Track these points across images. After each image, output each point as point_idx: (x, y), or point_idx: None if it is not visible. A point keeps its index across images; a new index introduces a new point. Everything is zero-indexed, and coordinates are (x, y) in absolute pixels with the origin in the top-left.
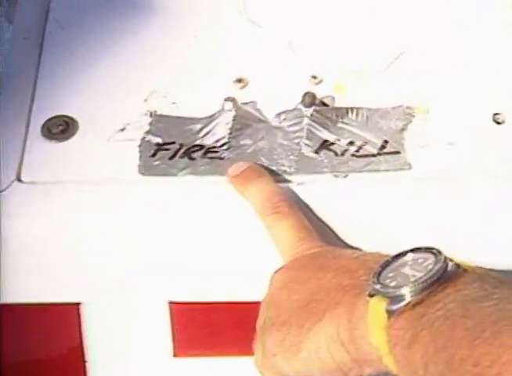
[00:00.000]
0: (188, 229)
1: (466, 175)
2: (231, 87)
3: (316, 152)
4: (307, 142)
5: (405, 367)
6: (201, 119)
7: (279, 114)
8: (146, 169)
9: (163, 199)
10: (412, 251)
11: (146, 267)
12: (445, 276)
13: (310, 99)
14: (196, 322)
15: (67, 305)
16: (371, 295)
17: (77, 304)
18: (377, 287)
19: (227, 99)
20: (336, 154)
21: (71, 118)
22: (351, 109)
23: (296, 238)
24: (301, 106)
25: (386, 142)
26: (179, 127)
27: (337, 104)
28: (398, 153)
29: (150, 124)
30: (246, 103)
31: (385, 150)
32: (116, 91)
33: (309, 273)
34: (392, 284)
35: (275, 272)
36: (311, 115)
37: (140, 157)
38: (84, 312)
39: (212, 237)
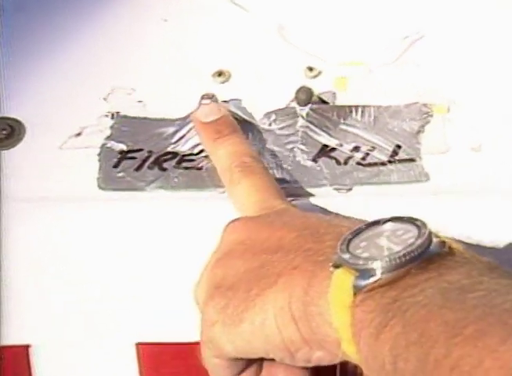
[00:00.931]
0: (158, 256)
1: (495, 187)
2: (209, 81)
3: (314, 160)
4: (302, 147)
5: (368, 359)
6: (174, 121)
7: (268, 114)
8: (106, 183)
9: (128, 219)
10: (392, 219)
11: (108, 305)
12: (427, 255)
13: (305, 96)
14: (163, 363)
15: (17, 347)
16: (336, 266)
17: (27, 346)
18: (345, 256)
19: (205, 97)
20: (337, 163)
21: (17, 121)
22: (356, 107)
23: (261, 195)
24: (294, 104)
25: (398, 147)
26: (147, 131)
27: (339, 101)
28: (412, 160)
29: (112, 127)
30: (228, 101)
31: (397, 158)
32: (70, 88)
33: (269, 230)
34: (363, 256)
35: (230, 222)
36: (307, 115)
37: (100, 168)
38: (34, 355)
39: (187, 267)
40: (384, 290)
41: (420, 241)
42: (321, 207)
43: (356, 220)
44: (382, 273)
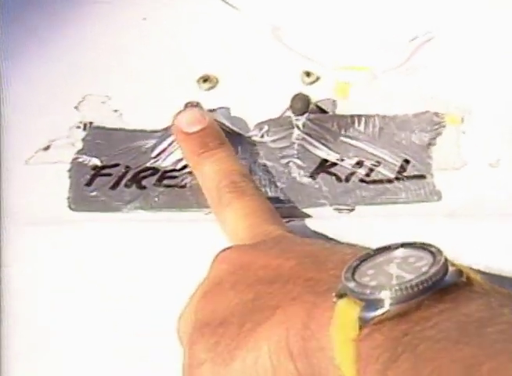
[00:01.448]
0: (136, 286)
1: None
2: (194, 88)
3: (312, 176)
4: (299, 162)
5: None
6: (154, 133)
7: (260, 125)
8: (78, 203)
9: (102, 245)
10: (403, 245)
11: (78, 336)
12: (442, 285)
13: (302, 104)
14: None
15: None
16: (340, 296)
17: None
18: (351, 285)
19: (189, 105)
20: (338, 179)
21: None
22: (359, 117)
23: (254, 219)
24: (289, 114)
25: (407, 162)
26: (124, 143)
27: (339, 110)
28: (423, 177)
29: (84, 139)
30: (214, 110)
31: (405, 174)
32: (37, 96)
33: (265, 259)
34: (371, 284)
35: (221, 251)
36: (304, 125)
37: (70, 186)
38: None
39: (169, 299)
40: (393, 323)
41: (434, 270)
42: (318, 232)
43: (361, 247)
44: (391, 304)
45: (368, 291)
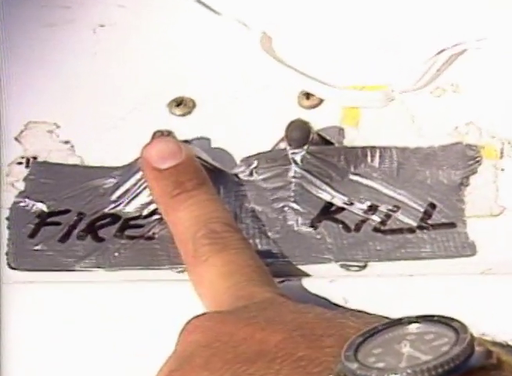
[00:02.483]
0: (90, 361)
1: None
2: (164, 113)
3: (313, 225)
4: (296, 207)
5: None
6: (114, 170)
7: (247, 159)
8: (19, 260)
9: (49, 311)
10: (419, 319)
11: None
12: (466, 368)
13: (300, 134)
14: None
15: None
16: None
17: None
18: (352, 366)
19: (158, 134)
20: (346, 229)
21: None
22: (372, 149)
23: (237, 278)
24: (284, 146)
25: (432, 206)
26: (76, 184)
27: (348, 141)
28: (452, 226)
29: (26, 179)
30: (190, 141)
31: (431, 222)
32: None
33: (247, 330)
34: (377, 366)
35: (192, 319)
36: (303, 160)
37: (10, 239)
38: None
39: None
40: None
41: (457, 350)
42: (319, 295)
43: (370, 317)
44: None
45: (373, 375)
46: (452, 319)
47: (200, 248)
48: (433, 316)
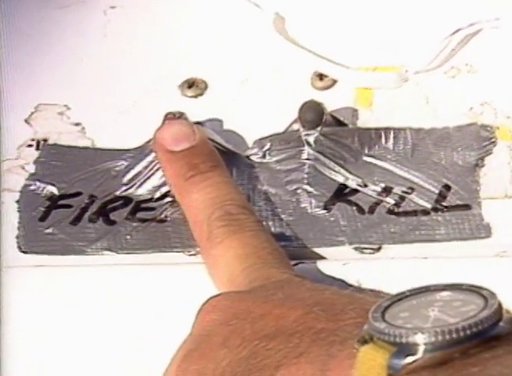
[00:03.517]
0: (105, 344)
1: None
2: (176, 95)
3: (326, 207)
4: (310, 189)
5: None
6: (126, 152)
7: (260, 141)
8: (30, 243)
9: (61, 295)
10: (447, 287)
11: None
12: (495, 332)
13: (314, 115)
14: None
15: None
16: (364, 341)
17: None
18: (381, 325)
19: (170, 116)
20: (360, 211)
21: None
22: (386, 130)
23: (253, 260)
24: (298, 127)
25: (447, 188)
26: (88, 166)
27: (361, 123)
28: (467, 207)
29: (37, 162)
30: (203, 123)
31: (446, 203)
32: None
33: (264, 307)
34: (406, 325)
35: (209, 299)
36: (317, 142)
37: (20, 222)
38: None
39: (147, 360)
40: (431, 372)
41: (485, 314)
42: (334, 277)
43: (385, 293)
44: (427, 350)
45: (403, 332)
46: (481, 288)
47: (214, 230)
48: (461, 284)
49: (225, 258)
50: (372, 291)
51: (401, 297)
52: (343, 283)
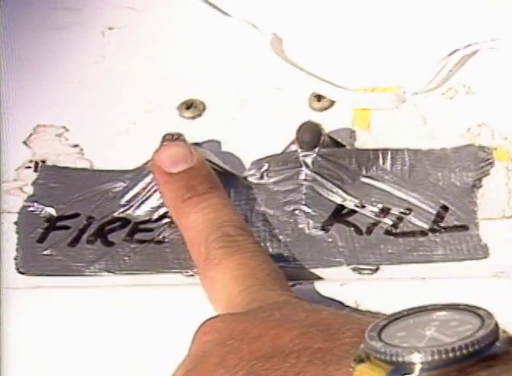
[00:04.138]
0: (102, 364)
1: None
2: (174, 116)
3: (324, 228)
4: (307, 210)
5: None
6: (124, 173)
7: (258, 162)
8: (29, 264)
9: (60, 316)
10: (444, 307)
11: None
12: (491, 352)
13: (311, 136)
14: None
15: None
16: (360, 360)
17: None
18: (377, 344)
19: (167, 138)
20: (358, 231)
21: None
22: (383, 152)
23: (250, 281)
24: (295, 148)
25: (445, 209)
26: (86, 188)
27: (359, 144)
28: (465, 228)
29: (35, 183)
30: (199, 144)
31: (443, 224)
32: None
33: (262, 327)
34: (403, 345)
35: (206, 321)
36: (314, 163)
37: (18, 243)
38: None
39: None
40: None
41: (482, 333)
42: (331, 298)
43: (382, 314)
44: (424, 369)
45: (399, 351)
46: (478, 307)
47: (212, 251)
48: (458, 304)
49: (222, 281)
50: (370, 312)
51: (398, 316)
52: (340, 305)
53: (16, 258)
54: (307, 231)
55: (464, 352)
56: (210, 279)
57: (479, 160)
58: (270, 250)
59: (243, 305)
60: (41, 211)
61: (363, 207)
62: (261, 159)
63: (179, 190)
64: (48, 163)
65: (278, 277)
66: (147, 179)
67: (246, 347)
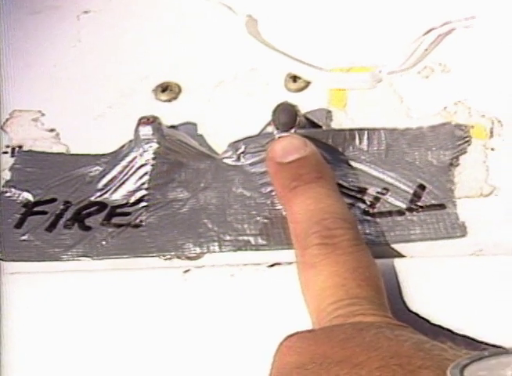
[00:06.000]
0: (84, 351)
1: None
2: (150, 99)
3: None
4: None
5: None
6: (100, 157)
7: (234, 144)
8: (6, 250)
9: (36, 302)
10: None
11: None
12: None
13: (287, 117)
14: None
15: None
16: None
17: None
18: None
19: (143, 121)
20: None
21: None
22: (360, 131)
23: (342, 294)
24: (272, 129)
25: (422, 188)
26: (62, 172)
27: (335, 124)
28: (442, 207)
29: (12, 168)
30: (176, 127)
31: (420, 203)
32: None
33: (343, 353)
34: None
35: (285, 339)
36: None
37: None
38: None
39: (123, 365)
40: None
41: None
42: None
43: (464, 351)
44: None
45: None
46: None
47: (309, 248)
48: None
49: (314, 286)
50: (453, 347)
51: (481, 356)
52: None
53: None
54: (284, 212)
55: None
56: (305, 278)
57: (456, 138)
58: (247, 231)
59: (327, 321)
60: (18, 196)
61: (341, 187)
62: (238, 141)
63: (287, 179)
64: (25, 148)
65: (370, 284)
66: (123, 163)
67: (325, 372)
